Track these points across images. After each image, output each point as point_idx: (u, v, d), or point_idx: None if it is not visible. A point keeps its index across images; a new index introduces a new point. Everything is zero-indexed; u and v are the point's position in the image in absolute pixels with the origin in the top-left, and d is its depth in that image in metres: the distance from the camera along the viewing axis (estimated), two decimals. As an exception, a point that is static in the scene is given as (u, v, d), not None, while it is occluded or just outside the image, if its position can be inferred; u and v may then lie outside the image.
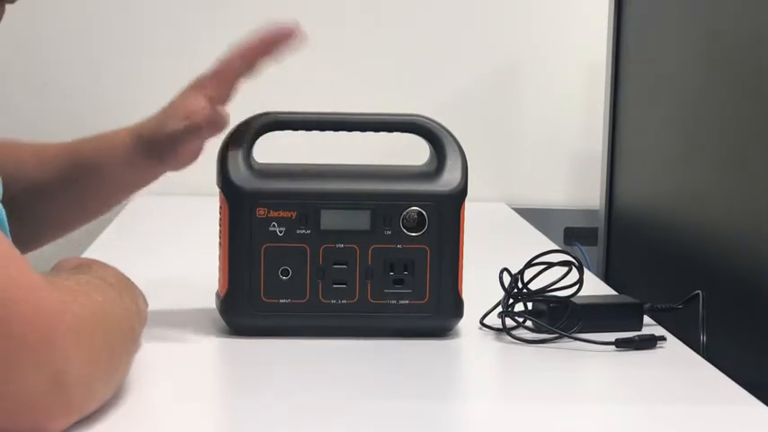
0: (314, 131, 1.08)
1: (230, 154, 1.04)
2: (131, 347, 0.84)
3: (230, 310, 1.05)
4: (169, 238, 1.41)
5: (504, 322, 1.06)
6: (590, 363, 1.01)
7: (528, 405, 0.89)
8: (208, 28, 2.19)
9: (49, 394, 0.69)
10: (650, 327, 1.10)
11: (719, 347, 1.07)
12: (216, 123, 1.05)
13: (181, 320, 1.09)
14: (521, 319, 1.06)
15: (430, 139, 1.07)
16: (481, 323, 1.09)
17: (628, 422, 0.87)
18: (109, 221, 1.60)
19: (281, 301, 1.04)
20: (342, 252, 1.04)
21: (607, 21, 1.76)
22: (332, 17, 2.19)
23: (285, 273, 1.04)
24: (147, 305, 0.93)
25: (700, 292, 1.10)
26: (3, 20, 0.92)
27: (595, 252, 1.85)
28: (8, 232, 0.91)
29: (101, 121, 2.19)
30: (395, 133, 1.08)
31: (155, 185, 1.18)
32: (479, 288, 1.08)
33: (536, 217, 1.99)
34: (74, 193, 1.12)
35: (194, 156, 1.07)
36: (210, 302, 1.08)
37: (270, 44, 1.06)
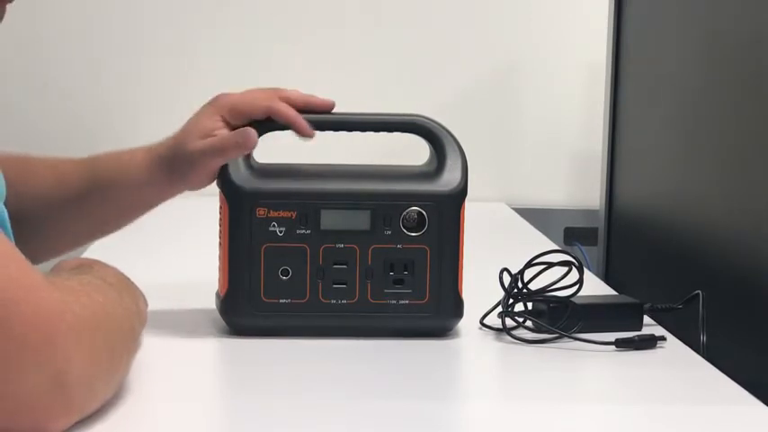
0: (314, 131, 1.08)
1: (230, 154, 1.04)
2: (132, 347, 0.84)
3: (230, 310, 1.05)
4: (169, 238, 1.42)
5: (504, 322, 1.06)
6: (590, 363, 1.01)
7: (528, 405, 0.89)
8: (208, 28, 2.19)
9: (49, 394, 0.69)
10: (650, 327, 1.10)
11: (719, 347, 1.07)
12: (241, 144, 1.03)
13: (181, 320, 1.09)
14: (521, 319, 1.06)
15: (430, 139, 1.07)
16: (481, 323, 1.09)
17: (628, 422, 0.87)
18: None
19: (281, 301, 1.04)
20: (342, 252, 1.04)
21: (607, 21, 1.76)
22: (332, 17, 2.19)
23: (285, 273, 1.04)
24: (147, 305, 0.93)
25: (700, 292, 1.10)
26: (3, 20, 0.92)
27: (595, 252, 1.85)
28: (10, 233, 0.91)
29: (101, 121, 2.21)
30: (395, 133, 1.08)
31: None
32: (479, 288, 1.08)
33: (536, 217, 1.99)
34: (89, 209, 1.12)
35: (213, 175, 1.05)
36: (210, 302, 1.08)
37: (300, 106, 1.06)
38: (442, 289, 1.04)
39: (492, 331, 1.07)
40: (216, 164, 1.04)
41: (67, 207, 1.12)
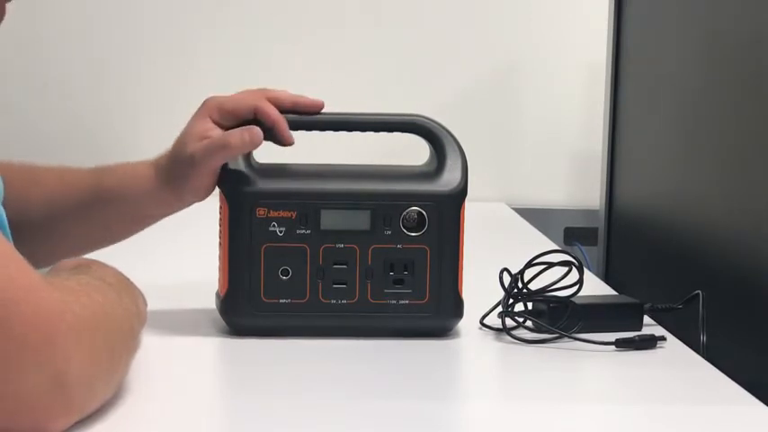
0: (314, 131, 1.08)
1: (230, 154, 1.04)
2: (131, 347, 0.84)
3: (230, 310, 1.05)
4: (169, 238, 1.41)
5: (504, 322, 1.06)
6: (590, 363, 1.01)
7: (528, 405, 0.89)
8: (208, 28, 2.19)
9: (49, 394, 0.69)
10: (650, 327, 1.10)
11: (719, 347, 1.07)
12: (247, 140, 1.03)
13: (181, 320, 1.09)
14: (521, 319, 1.06)
15: (430, 139, 1.07)
16: (481, 323, 1.09)
17: (628, 422, 0.87)
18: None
19: (281, 301, 1.04)
20: (342, 252, 1.04)
21: (607, 21, 1.76)
22: (332, 17, 2.19)
23: (285, 273, 1.04)
24: (146, 305, 0.93)
25: (700, 292, 1.10)
26: (3, 20, 0.92)
27: (595, 252, 1.85)
28: (9, 235, 0.91)
29: (101, 122, 2.21)
30: (395, 133, 1.08)
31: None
32: (479, 288, 1.08)
33: (536, 217, 2.00)
34: (93, 218, 1.12)
35: (214, 176, 1.05)
36: (210, 302, 1.08)
37: (288, 107, 1.05)
38: (441, 289, 1.04)
39: (492, 331, 1.07)
40: (218, 161, 1.04)
41: (71, 215, 1.12)
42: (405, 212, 1.04)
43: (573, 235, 2.12)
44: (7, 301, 0.68)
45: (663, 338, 1.04)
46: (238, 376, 0.98)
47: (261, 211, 1.03)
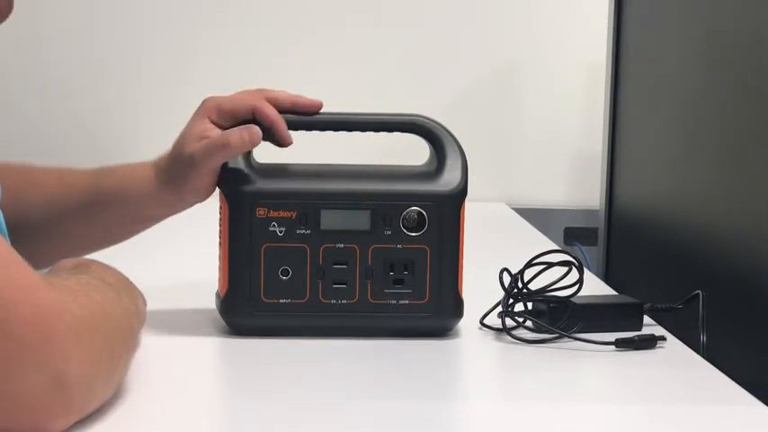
0: (314, 131, 1.08)
1: (230, 154, 1.04)
2: (131, 347, 0.84)
3: (230, 310, 1.05)
4: (169, 238, 1.41)
5: (504, 322, 1.06)
6: (590, 363, 1.01)
7: (528, 405, 0.89)
8: (208, 28, 2.19)
9: (49, 394, 0.69)
10: (650, 327, 1.10)
11: (719, 347, 1.07)
12: (246, 138, 1.03)
13: (181, 320, 1.09)
14: (521, 319, 1.06)
15: (430, 139, 1.07)
16: (481, 323, 1.09)
17: (628, 422, 0.87)
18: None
19: (281, 301, 1.04)
20: (342, 252, 1.04)
21: (607, 21, 1.76)
22: (332, 17, 2.19)
23: (285, 273, 1.04)
24: (145, 305, 0.93)
25: (700, 292, 1.10)
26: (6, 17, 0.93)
27: (595, 252, 1.85)
28: (6, 235, 0.91)
29: (101, 121, 2.21)
30: (395, 133, 1.08)
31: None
32: (479, 288, 1.08)
33: (536, 217, 2.00)
34: (93, 219, 1.12)
35: (214, 176, 1.05)
36: (210, 302, 1.08)
37: (287, 107, 1.06)
38: (441, 289, 1.04)
39: (492, 331, 1.07)
40: (218, 161, 1.04)
41: (71, 216, 1.12)
42: (405, 212, 1.04)
43: (573, 235, 2.12)
44: (6, 302, 0.68)
45: (663, 338, 1.04)
46: (238, 376, 0.98)
47: (261, 211, 1.03)
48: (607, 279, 1.66)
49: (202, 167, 1.04)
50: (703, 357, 1.03)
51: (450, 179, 1.05)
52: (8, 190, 1.02)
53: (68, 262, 0.89)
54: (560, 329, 1.04)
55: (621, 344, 1.02)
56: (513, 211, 2.07)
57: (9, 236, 0.92)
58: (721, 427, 0.85)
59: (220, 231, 1.05)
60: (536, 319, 1.06)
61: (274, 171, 1.06)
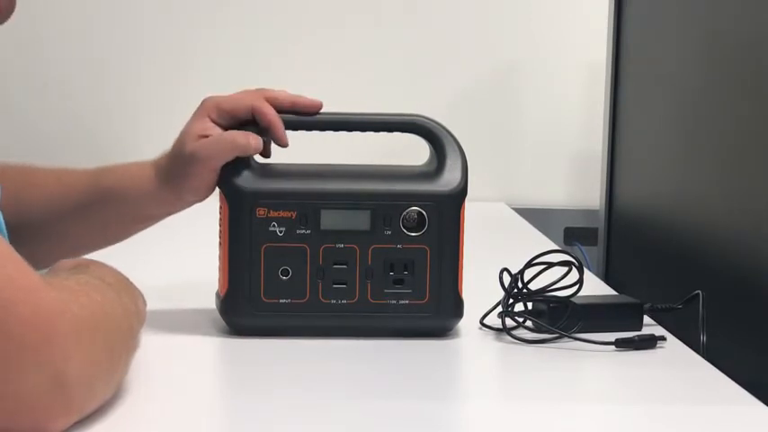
0: (314, 131, 1.08)
1: (230, 154, 1.04)
2: (131, 347, 0.84)
3: (230, 310, 1.05)
4: (169, 238, 1.41)
5: (504, 322, 1.06)
6: (590, 363, 1.01)
7: (528, 405, 0.89)
8: (208, 28, 2.19)
9: (49, 394, 0.69)
10: (650, 327, 1.10)
11: (719, 347, 1.07)
12: (250, 144, 1.04)
13: (181, 320, 1.09)
14: (521, 319, 1.06)
15: (430, 139, 1.07)
16: (481, 323, 1.09)
17: (628, 422, 0.87)
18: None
19: (281, 301, 1.04)
20: (342, 252, 1.04)
21: (607, 21, 1.76)
22: (332, 17, 2.19)
23: (285, 273, 1.04)
24: (145, 305, 0.93)
25: (700, 292, 1.10)
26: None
27: (595, 252, 1.85)
28: (6, 235, 0.91)
29: (101, 121, 2.21)
30: (395, 133, 1.08)
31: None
32: (479, 288, 1.08)
33: (536, 217, 2.00)
34: (93, 218, 1.13)
35: (215, 175, 1.05)
36: (210, 302, 1.08)
37: (287, 108, 1.06)
38: (441, 289, 1.04)
39: (492, 331, 1.07)
40: (223, 160, 1.04)
41: (71, 216, 1.12)
42: (405, 212, 1.04)
43: (573, 235, 2.12)
44: (6, 302, 0.68)
45: (663, 338, 1.04)
46: (238, 376, 0.98)
47: (261, 211, 1.03)
48: (607, 279, 1.66)
49: (206, 165, 1.04)
50: (703, 357, 1.03)
51: (450, 179, 1.05)
52: (7, 190, 1.02)
53: (68, 262, 0.89)
54: (560, 329, 1.04)
55: (621, 344, 1.02)
56: (513, 211, 2.07)
57: (9, 236, 0.92)
58: (721, 427, 0.85)
59: (220, 231, 1.05)
60: (536, 319, 1.06)
61: (274, 171, 1.06)
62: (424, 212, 1.04)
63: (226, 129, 1.05)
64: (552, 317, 1.06)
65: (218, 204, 1.05)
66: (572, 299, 1.06)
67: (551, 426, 0.85)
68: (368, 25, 2.20)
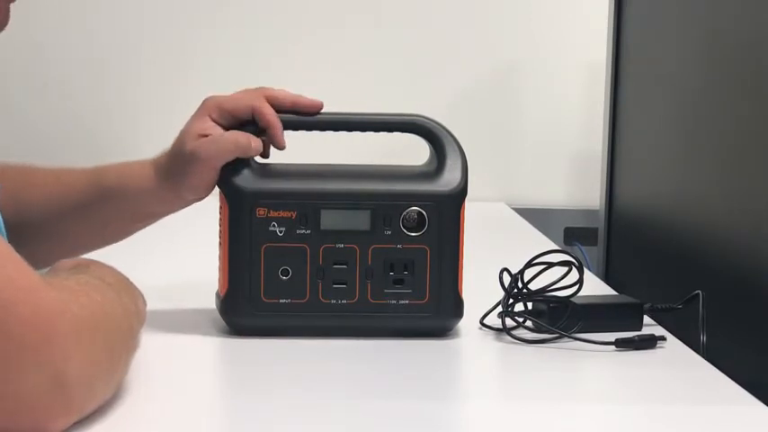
0: (314, 131, 1.08)
1: (230, 154, 1.04)
2: (131, 347, 0.84)
3: (230, 310, 1.05)
4: (169, 238, 1.41)
5: (504, 322, 1.06)
6: (590, 363, 1.01)
7: (528, 405, 0.89)
8: (208, 28, 2.19)
9: (49, 394, 0.69)
10: (650, 327, 1.10)
11: (719, 347, 1.07)
12: (252, 147, 1.04)
13: (181, 320, 1.09)
14: (521, 319, 1.06)
15: (430, 139, 1.07)
16: (481, 323, 1.09)
17: (628, 422, 0.87)
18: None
19: (281, 301, 1.04)
20: (342, 252, 1.04)
21: (607, 21, 1.76)
22: (332, 17, 2.19)
23: (285, 273, 1.04)
24: (145, 305, 0.93)
25: (700, 292, 1.10)
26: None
27: (595, 252, 1.85)
28: (5, 234, 0.91)
29: (101, 121, 2.21)
30: (395, 133, 1.08)
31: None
32: (479, 288, 1.08)
33: (536, 217, 2.00)
34: (94, 219, 1.13)
35: (215, 174, 1.04)
36: (210, 302, 1.08)
37: (287, 107, 1.06)
38: (442, 289, 1.04)
39: (492, 331, 1.07)
40: (224, 159, 1.04)
41: (70, 215, 1.12)
42: (405, 212, 1.04)
43: (573, 235, 2.12)
44: (6, 302, 0.68)
45: (663, 338, 1.04)
46: (238, 376, 0.98)
47: (261, 211, 1.03)
48: (607, 279, 1.66)
49: (205, 164, 1.04)
50: (703, 357, 1.03)
51: (450, 179, 1.05)
52: (7, 190, 1.02)
53: (68, 262, 0.89)
54: (560, 329, 1.04)
55: (621, 344, 1.02)
56: (513, 211, 2.07)
57: (8, 236, 0.92)
58: (721, 427, 0.85)
59: (220, 231, 1.05)
60: (536, 319, 1.06)
61: (274, 171, 1.06)
62: (424, 212, 1.04)
63: (226, 129, 1.06)
64: (552, 317, 1.06)
65: (218, 204, 1.05)
66: (572, 299, 1.06)
67: (551, 426, 0.85)
68: (368, 25, 2.20)
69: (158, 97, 2.19)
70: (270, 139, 1.06)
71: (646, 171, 1.59)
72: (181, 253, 1.50)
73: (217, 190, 1.06)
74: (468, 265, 1.06)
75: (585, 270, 1.11)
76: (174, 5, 2.18)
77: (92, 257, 0.95)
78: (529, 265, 1.09)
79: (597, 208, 1.82)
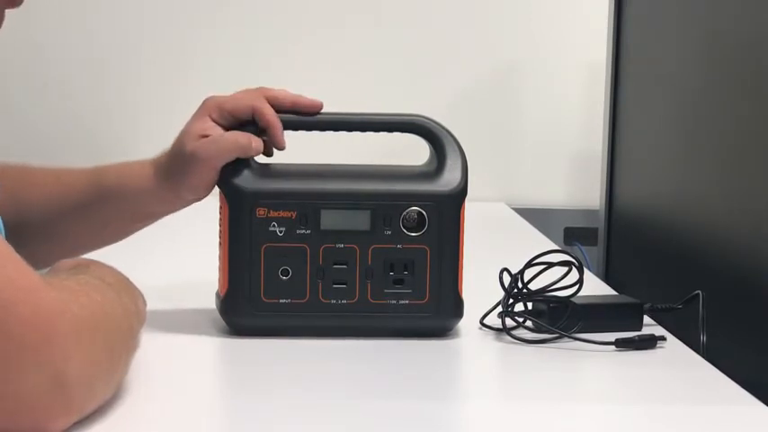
0: (314, 131, 1.08)
1: (230, 154, 1.04)
2: (131, 347, 0.84)
3: (230, 310, 1.05)
4: (169, 238, 1.41)
5: (504, 322, 1.06)
6: (590, 363, 1.01)
7: (528, 405, 0.89)
8: (208, 28, 2.19)
9: (49, 394, 0.69)
10: (650, 327, 1.10)
11: (719, 347, 1.07)
12: (253, 147, 1.04)
13: (181, 320, 1.09)
14: (521, 319, 1.06)
15: (430, 139, 1.07)
16: (481, 323, 1.09)
17: (628, 422, 0.87)
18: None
19: (281, 301, 1.04)
20: (342, 252, 1.04)
21: (607, 21, 1.76)
22: (332, 17, 2.19)
23: (285, 273, 1.04)
24: (145, 305, 0.93)
25: (700, 292, 1.10)
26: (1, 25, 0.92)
27: (595, 252, 1.85)
28: (4, 234, 0.91)
29: (101, 121, 2.21)
30: (395, 133, 1.08)
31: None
32: (479, 288, 1.08)
33: (536, 217, 2.00)
34: (94, 219, 1.13)
35: (214, 174, 1.04)
36: (210, 302, 1.08)
37: (287, 108, 1.06)
38: (441, 289, 1.04)
39: (492, 331, 1.07)
40: (225, 160, 1.04)
41: (70, 215, 1.12)
42: (405, 212, 1.04)
43: (573, 235, 2.12)
44: (6, 302, 0.68)
45: (663, 338, 1.04)
46: (238, 376, 0.98)
47: (261, 211, 1.03)
48: (607, 279, 1.66)
49: (205, 165, 1.04)
50: (703, 357, 1.03)
51: (450, 179, 1.05)
52: (7, 190, 1.02)
53: (68, 262, 0.89)
54: (560, 329, 1.04)
55: (621, 344, 1.02)
56: (513, 211, 2.07)
57: (8, 236, 0.92)
58: (721, 427, 0.85)
59: (220, 231, 1.05)
60: (536, 319, 1.06)
61: (274, 171, 1.06)
62: (424, 212, 1.04)
63: (226, 129, 1.06)
64: (552, 317, 1.06)
65: (218, 204, 1.05)
66: (572, 299, 1.06)
67: (551, 426, 0.85)
68: (368, 25, 2.20)
69: (158, 97, 2.19)
70: (270, 140, 1.06)
71: (646, 171, 1.59)
72: (181, 253, 1.50)
73: (217, 190, 1.06)
74: (468, 265, 1.06)
75: (585, 270, 1.11)
76: (174, 5, 2.18)
77: (92, 257, 0.95)
78: (529, 265, 1.09)
79: (597, 208, 1.82)
